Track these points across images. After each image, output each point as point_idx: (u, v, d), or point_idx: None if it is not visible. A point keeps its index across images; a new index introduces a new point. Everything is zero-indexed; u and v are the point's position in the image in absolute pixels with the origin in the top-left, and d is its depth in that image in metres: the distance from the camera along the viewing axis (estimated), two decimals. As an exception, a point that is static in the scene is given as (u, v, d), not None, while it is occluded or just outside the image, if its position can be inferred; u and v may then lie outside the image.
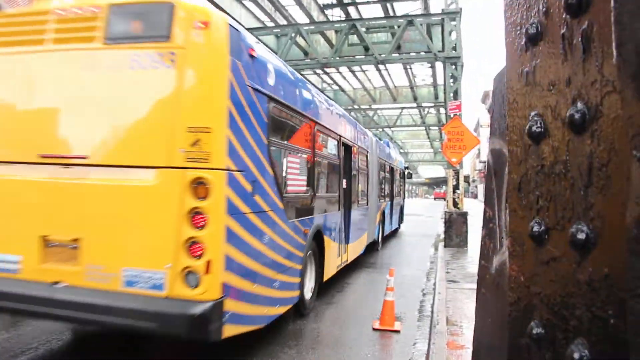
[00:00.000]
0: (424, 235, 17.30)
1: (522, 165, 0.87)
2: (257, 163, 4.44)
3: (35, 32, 4.27)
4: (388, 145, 15.37)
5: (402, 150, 28.75)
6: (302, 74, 22.25)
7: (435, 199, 71.65)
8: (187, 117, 3.80)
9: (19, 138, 4.29)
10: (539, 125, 0.81)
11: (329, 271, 7.32)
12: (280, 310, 5.24)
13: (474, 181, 74.59)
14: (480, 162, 62.97)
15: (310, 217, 6.26)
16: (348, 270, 8.95)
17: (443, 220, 15.02)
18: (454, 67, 13.10)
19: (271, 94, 4.83)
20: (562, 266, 0.75)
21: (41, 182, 4.13)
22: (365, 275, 9.34)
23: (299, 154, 6.06)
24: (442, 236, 13.83)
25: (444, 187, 62.82)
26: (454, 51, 13.07)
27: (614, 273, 0.64)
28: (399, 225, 18.29)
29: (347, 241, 8.62)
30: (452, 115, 12.54)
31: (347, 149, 8.67)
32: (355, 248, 9.50)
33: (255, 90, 4.43)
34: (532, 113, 0.83)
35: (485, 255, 1.65)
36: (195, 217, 3.74)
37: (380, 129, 35.18)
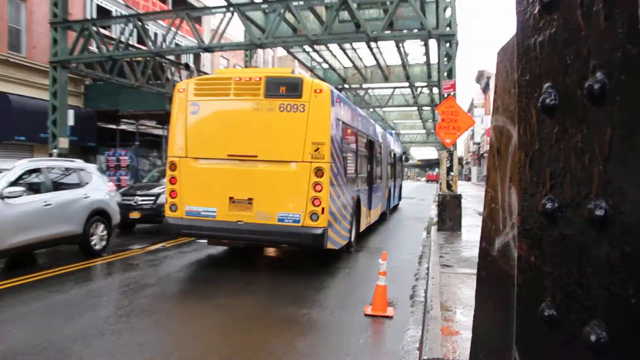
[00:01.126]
0: (417, 219, 17.21)
1: (534, 140, 0.83)
2: (338, 158, 8.13)
3: (224, 89, 8.01)
4: (392, 135, 19.43)
5: (394, 132, 28.44)
6: (290, 52, 22.01)
7: (427, 181, 71.61)
8: (312, 137, 7.52)
9: (218, 146, 7.93)
10: (553, 97, 0.77)
11: (362, 226, 10.96)
12: (343, 242, 8.63)
13: (467, 163, 74.80)
14: (474, 143, 62.96)
15: (355, 189, 9.98)
16: (340, 254, 8.96)
17: (436, 203, 14.99)
18: (448, 45, 12.81)
19: (343, 120, 8.70)
20: (577, 245, 0.72)
21: (229, 169, 7.83)
22: (356, 260, 9.34)
23: (351, 151, 9.79)
24: (435, 219, 13.73)
25: (436, 169, 62.71)
26: (448, 28, 12.76)
27: (636, 251, 0.61)
28: (399, 201, 22.09)
29: (370, 208, 12.18)
30: (446, 95, 12.33)
31: (370, 143, 12.37)
32: (374, 214, 13.20)
33: (338, 119, 8.17)
34: (546, 85, 0.79)
35: (487, 236, 1.62)
36: (316, 186, 7.43)
37: (372, 109, 34.85)
